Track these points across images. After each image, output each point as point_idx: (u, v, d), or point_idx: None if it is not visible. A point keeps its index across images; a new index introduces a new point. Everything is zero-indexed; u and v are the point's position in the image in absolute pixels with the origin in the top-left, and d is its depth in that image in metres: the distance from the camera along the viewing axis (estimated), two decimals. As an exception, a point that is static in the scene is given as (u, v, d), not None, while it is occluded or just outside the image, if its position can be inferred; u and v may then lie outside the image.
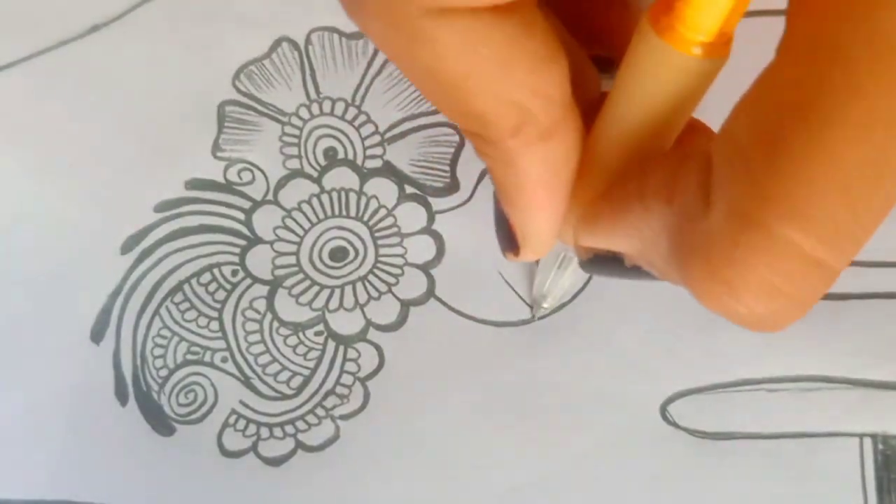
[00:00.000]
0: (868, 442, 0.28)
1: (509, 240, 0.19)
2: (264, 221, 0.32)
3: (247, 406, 0.31)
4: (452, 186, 0.32)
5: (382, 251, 0.32)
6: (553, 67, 0.15)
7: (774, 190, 0.13)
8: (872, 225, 0.13)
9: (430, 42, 0.14)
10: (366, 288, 0.32)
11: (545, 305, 0.30)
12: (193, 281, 0.32)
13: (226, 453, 0.31)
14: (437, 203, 0.32)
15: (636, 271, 0.17)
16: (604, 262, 0.18)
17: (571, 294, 0.30)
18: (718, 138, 0.14)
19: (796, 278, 0.13)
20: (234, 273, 0.32)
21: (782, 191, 0.13)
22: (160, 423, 0.31)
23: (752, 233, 0.13)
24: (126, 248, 0.33)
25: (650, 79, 0.15)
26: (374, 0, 0.14)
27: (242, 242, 0.32)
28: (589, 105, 0.17)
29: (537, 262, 0.29)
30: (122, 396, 0.32)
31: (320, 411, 0.31)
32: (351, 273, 0.32)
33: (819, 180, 0.12)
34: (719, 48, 0.15)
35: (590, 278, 0.30)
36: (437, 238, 0.32)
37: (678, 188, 0.15)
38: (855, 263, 0.30)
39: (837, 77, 0.12)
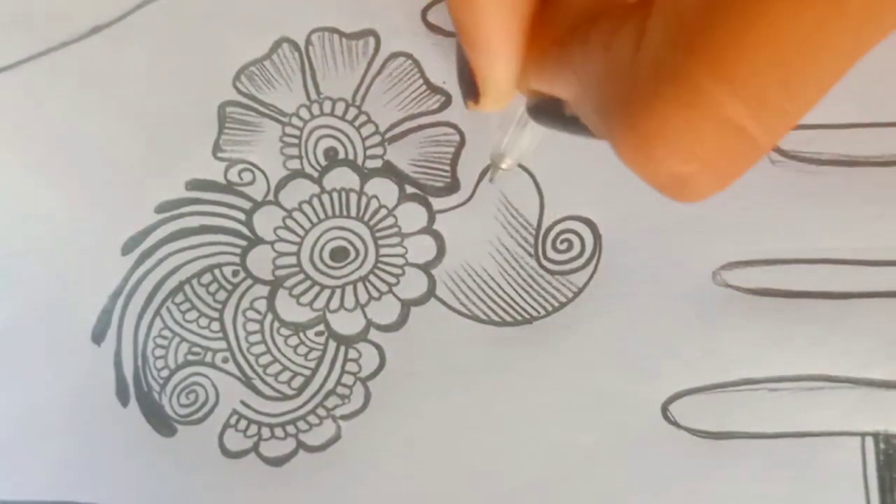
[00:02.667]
0: (870, 441, 0.28)
1: (470, 86, 0.19)
2: (265, 222, 0.33)
3: (248, 406, 0.31)
4: (453, 186, 0.32)
5: (383, 251, 0.32)
6: None
7: (705, 45, 0.12)
8: (804, 105, 0.12)
9: None
10: (366, 288, 0.32)
11: (503, 166, 0.28)
12: (194, 281, 0.32)
13: (227, 454, 0.31)
14: (437, 203, 0.32)
15: (575, 123, 0.17)
16: (546, 108, 0.18)
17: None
18: None
19: (714, 142, 0.13)
20: (235, 273, 0.32)
21: (713, 47, 0.12)
22: (161, 423, 0.31)
23: (675, 84, 0.13)
24: (127, 248, 0.33)
25: None
26: None
27: (243, 243, 0.32)
28: None
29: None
30: (123, 397, 0.32)
31: (321, 411, 0.31)
32: (351, 273, 0.32)
33: (753, 44, 0.12)
34: None
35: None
36: (438, 238, 0.32)
37: (617, 35, 0.14)
38: (855, 263, 0.30)
39: None
